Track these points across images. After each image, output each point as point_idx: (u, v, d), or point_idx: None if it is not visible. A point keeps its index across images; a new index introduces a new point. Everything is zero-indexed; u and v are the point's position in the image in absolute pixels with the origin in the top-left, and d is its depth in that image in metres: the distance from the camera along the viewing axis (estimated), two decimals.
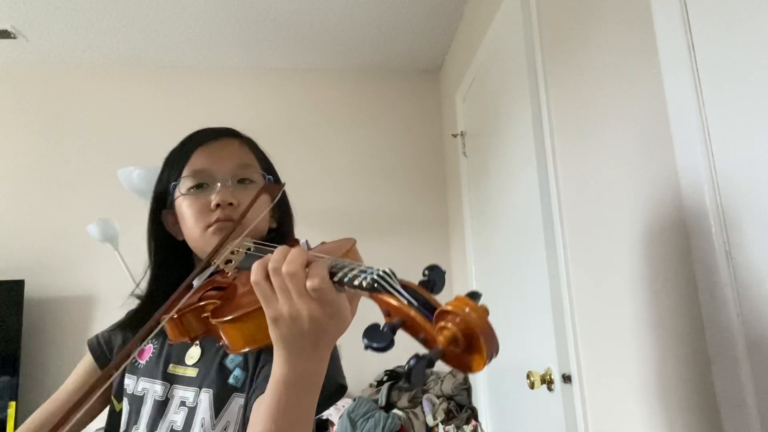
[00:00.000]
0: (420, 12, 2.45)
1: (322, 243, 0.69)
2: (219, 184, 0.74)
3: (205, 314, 0.59)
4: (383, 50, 2.81)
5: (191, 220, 0.75)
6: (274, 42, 2.68)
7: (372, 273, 0.44)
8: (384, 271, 0.44)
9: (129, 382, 0.77)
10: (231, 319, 0.54)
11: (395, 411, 2.18)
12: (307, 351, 0.49)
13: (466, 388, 2.35)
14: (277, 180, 0.84)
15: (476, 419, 2.21)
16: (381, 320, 0.42)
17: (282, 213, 0.85)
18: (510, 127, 1.71)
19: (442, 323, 0.37)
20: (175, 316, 0.62)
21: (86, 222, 2.22)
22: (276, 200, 0.79)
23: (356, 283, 0.44)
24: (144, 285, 0.81)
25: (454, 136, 2.51)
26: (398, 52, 2.84)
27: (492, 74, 1.94)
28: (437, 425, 2.16)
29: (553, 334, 1.34)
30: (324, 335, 0.48)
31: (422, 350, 0.38)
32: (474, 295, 0.40)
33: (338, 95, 2.98)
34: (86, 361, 0.84)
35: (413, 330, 0.41)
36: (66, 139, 2.74)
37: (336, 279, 0.47)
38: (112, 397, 0.79)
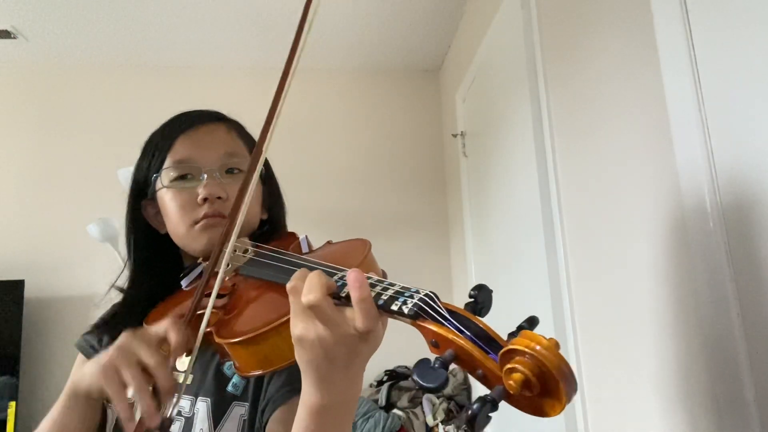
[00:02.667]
0: (420, 12, 2.45)
1: (328, 243, 0.64)
2: (206, 176, 0.68)
3: (208, 328, 0.54)
4: (383, 50, 2.81)
5: (176, 216, 0.68)
6: (273, 42, 2.68)
7: (413, 297, 0.39)
8: (427, 294, 0.39)
9: None
10: (242, 340, 0.48)
11: (395, 411, 2.18)
12: (338, 374, 0.44)
13: (466, 388, 2.35)
14: (267, 168, 0.78)
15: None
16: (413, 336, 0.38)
17: (273, 203, 0.79)
18: (510, 127, 1.71)
19: (510, 365, 0.32)
20: None
21: (86, 222, 2.22)
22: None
23: (394, 308, 0.39)
24: (122, 283, 0.75)
25: (454, 136, 2.50)
26: (398, 52, 2.84)
27: (492, 74, 1.94)
28: (437, 425, 2.16)
29: (553, 334, 1.34)
30: (356, 357, 0.43)
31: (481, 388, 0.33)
32: (533, 323, 0.36)
33: (338, 95, 2.98)
34: (79, 363, 0.77)
35: (468, 365, 0.36)
36: (66, 139, 2.74)
37: None
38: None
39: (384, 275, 0.54)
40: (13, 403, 2.23)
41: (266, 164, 0.79)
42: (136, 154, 0.79)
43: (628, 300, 1.05)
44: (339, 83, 2.98)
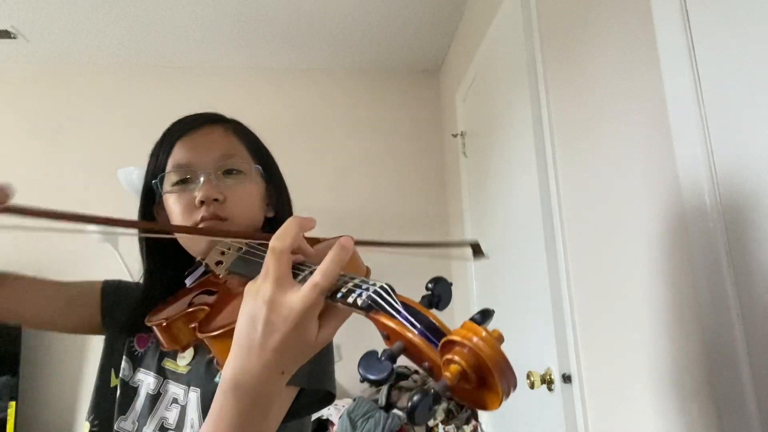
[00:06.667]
0: (420, 12, 2.45)
1: (318, 239, 0.64)
2: (203, 179, 0.69)
3: (194, 324, 0.55)
4: (383, 50, 2.81)
5: (178, 218, 0.70)
6: (274, 42, 2.68)
7: (368, 289, 0.38)
8: (381, 287, 0.38)
9: (125, 366, 0.74)
10: (218, 334, 0.48)
11: (395, 411, 2.18)
12: (257, 347, 0.41)
13: None
14: (267, 168, 0.78)
15: (476, 419, 2.21)
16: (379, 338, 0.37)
17: (279, 201, 0.79)
18: (510, 127, 1.71)
19: (449, 355, 0.32)
20: (165, 324, 0.58)
21: None
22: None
23: (350, 300, 0.38)
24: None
25: (454, 136, 2.50)
26: (398, 52, 2.84)
27: (492, 74, 1.94)
28: (437, 425, 2.16)
29: (553, 334, 1.34)
30: (277, 336, 0.40)
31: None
32: (485, 315, 0.35)
33: (338, 95, 2.98)
34: (95, 284, 0.79)
35: (416, 357, 0.36)
36: (66, 139, 2.74)
37: (328, 293, 0.40)
38: (112, 370, 0.75)
39: (368, 271, 0.54)
40: (13, 403, 2.24)
41: (271, 163, 0.80)
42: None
43: (628, 300, 1.05)
44: (339, 83, 2.98)
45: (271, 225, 0.78)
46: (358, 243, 0.58)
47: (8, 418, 2.21)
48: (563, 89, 1.35)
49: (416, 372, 2.43)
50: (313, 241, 0.64)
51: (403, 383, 2.33)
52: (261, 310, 0.41)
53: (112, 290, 0.80)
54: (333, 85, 2.98)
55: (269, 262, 0.42)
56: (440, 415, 2.18)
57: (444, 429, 2.14)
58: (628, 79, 1.04)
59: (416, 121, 2.99)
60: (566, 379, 1.30)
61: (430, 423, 2.17)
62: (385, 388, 2.29)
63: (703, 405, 0.83)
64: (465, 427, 2.15)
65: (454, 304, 2.89)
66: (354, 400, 2.24)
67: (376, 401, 2.25)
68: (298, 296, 0.40)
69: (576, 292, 1.29)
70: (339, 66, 2.96)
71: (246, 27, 2.53)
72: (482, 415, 2.16)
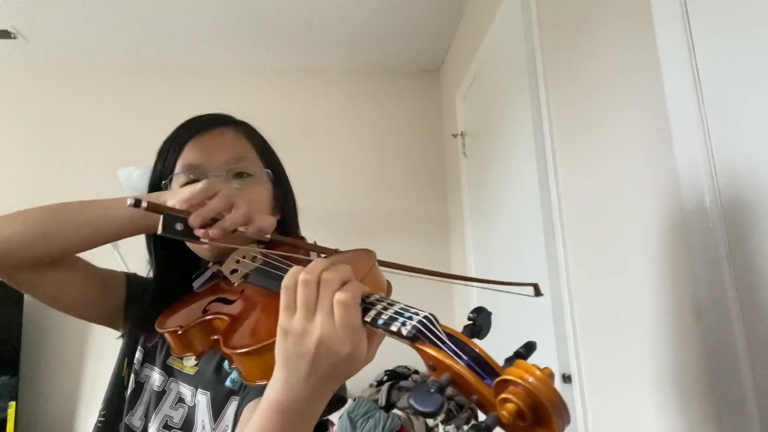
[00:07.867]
0: (420, 12, 2.45)
1: (336, 251, 0.63)
2: None
3: (215, 336, 0.54)
4: (383, 50, 2.80)
5: None
6: (274, 42, 2.68)
7: (411, 318, 0.38)
8: (426, 317, 0.39)
9: (139, 356, 0.74)
10: (248, 351, 0.48)
11: (395, 411, 2.18)
12: (305, 378, 0.43)
13: None
14: (276, 171, 0.78)
15: (476, 419, 2.21)
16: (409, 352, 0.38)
17: (285, 205, 0.79)
18: (510, 127, 1.71)
19: (504, 395, 0.33)
20: (180, 332, 0.58)
21: None
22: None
23: (393, 328, 0.38)
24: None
25: (454, 136, 2.50)
26: (398, 52, 2.84)
27: (492, 74, 1.94)
28: (437, 425, 2.16)
29: (553, 334, 1.34)
30: (326, 367, 0.42)
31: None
32: (529, 349, 0.36)
33: (338, 95, 2.98)
34: (119, 275, 0.80)
35: (464, 390, 0.36)
36: (66, 139, 2.74)
37: (368, 318, 0.40)
38: (125, 360, 0.75)
39: (389, 287, 0.54)
40: (13, 403, 2.23)
41: (279, 167, 0.80)
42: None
43: (628, 300, 1.05)
44: (339, 83, 2.98)
45: (277, 229, 0.78)
46: (418, 271, 0.60)
47: (8, 418, 2.21)
48: (563, 89, 1.35)
49: (416, 372, 2.43)
50: (332, 254, 0.62)
51: (402, 383, 2.33)
52: (310, 351, 0.42)
53: (135, 285, 0.80)
54: (333, 85, 2.98)
55: (311, 300, 0.42)
56: (440, 416, 2.18)
57: (444, 429, 2.14)
58: (628, 79, 1.04)
59: (416, 121, 2.99)
60: (566, 379, 1.30)
61: (430, 423, 2.17)
62: (384, 389, 2.29)
63: (704, 405, 0.83)
64: (465, 426, 2.15)
65: (453, 303, 2.86)
66: (354, 400, 2.24)
67: (376, 401, 2.25)
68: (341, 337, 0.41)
69: (576, 293, 1.29)
70: (339, 66, 2.96)
71: (246, 27, 2.53)
72: (482, 415, 2.16)
